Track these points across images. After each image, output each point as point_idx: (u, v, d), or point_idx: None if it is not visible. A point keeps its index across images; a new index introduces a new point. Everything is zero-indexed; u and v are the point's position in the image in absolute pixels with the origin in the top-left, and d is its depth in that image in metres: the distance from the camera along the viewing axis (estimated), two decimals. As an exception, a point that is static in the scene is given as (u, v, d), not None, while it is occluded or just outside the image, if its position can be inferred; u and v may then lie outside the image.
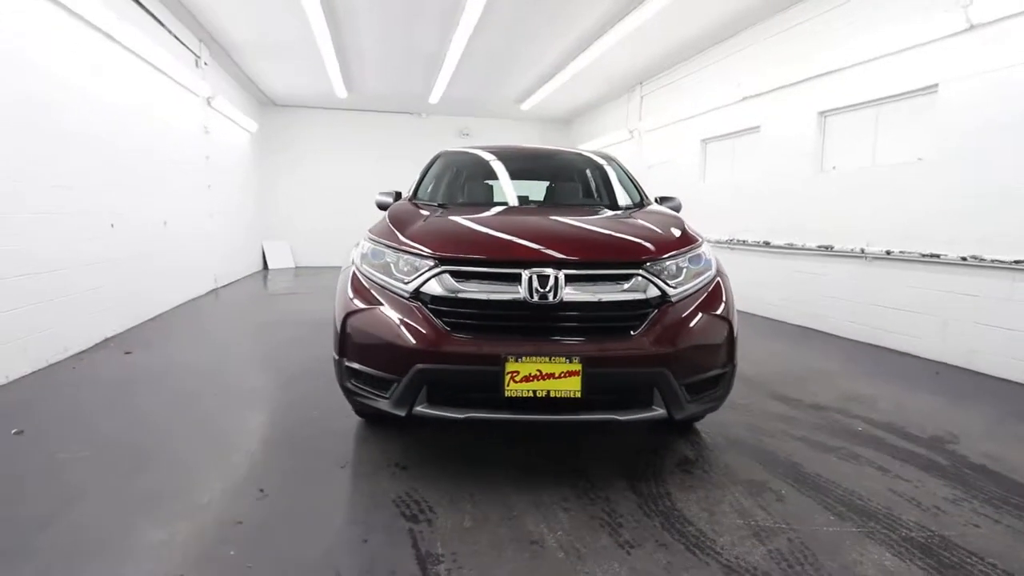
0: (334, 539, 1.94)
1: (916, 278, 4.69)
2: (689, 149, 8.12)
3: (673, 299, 2.31)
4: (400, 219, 2.73)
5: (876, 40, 4.94)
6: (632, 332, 2.24)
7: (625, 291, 2.27)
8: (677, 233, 2.58)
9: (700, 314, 2.35)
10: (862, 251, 5.14)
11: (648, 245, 2.40)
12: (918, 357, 4.62)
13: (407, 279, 2.33)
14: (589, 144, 11.55)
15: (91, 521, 2.01)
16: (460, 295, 2.24)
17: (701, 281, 2.45)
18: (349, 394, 2.47)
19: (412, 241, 2.42)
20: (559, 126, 13.29)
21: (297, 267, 11.92)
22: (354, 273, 2.55)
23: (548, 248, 2.32)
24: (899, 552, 1.91)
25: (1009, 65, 3.98)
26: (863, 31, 5.10)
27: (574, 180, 4.02)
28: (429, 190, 3.68)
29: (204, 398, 3.41)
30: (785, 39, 6.09)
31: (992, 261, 4.06)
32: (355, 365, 2.38)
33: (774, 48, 6.26)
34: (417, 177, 3.79)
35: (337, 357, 2.47)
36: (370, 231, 2.70)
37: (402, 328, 2.25)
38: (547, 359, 2.13)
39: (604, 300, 2.25)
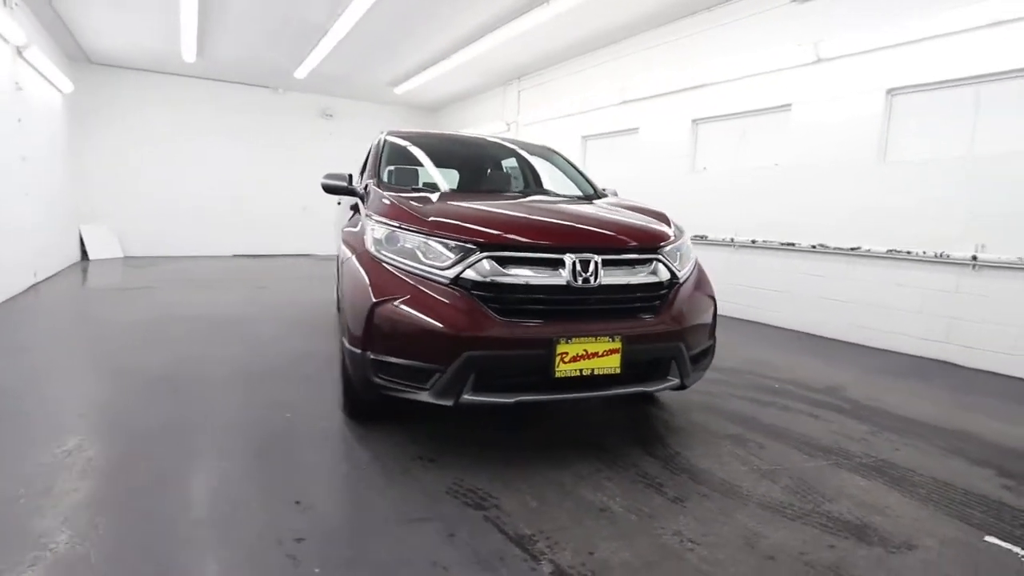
0: (422, 539, 1.85)
1: (775, 263, 5.73)
2: (569, 145, 8.69)
3: (680, 281, 2.60)
4: (417, 203, 2.60)
5: (743, 62, 5.87)
6: (655, 312, 2.47)
7: (647, 275, 2.49)
8: (670, 222, 2.87)
9: (697, 294, 2.68)
10: (731, 240, 6.11)
11: (661, 232, 2.65)
12: (780, 328, 5.66)
13: (444, 265, 2.26)
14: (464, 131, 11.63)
15: None
16: (505, 280, 2.25)
17: (692, 265, 2.77)
18: (376, 389, 2.31)
19: (446, 226, 2.35)
20: (427, 113, 13.12)
21: (127, 257, 10.06)
22: (371, 260, 2.38)
23: (585, 235, 2.44)
24: (864, 474, 2.44)
25: (841, 92, 5.07)
26: (732, 52, 6.01)
27: (534, 170, 4.13)
28: (393, 174, 3.49)
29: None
30: (665, 51, 6.86)
31: (834, 248, 5.16)
32: (387, 358, 2.24)
33: (655, 58, 7.01)
34: (372, 159, 3.56)
35: (359, 351, 2.30)
36: (382, 215, 2.52)
37: (447, 316, 2.19)
38: (593, 339, 2.26)
39: (632, 283, 2.44)
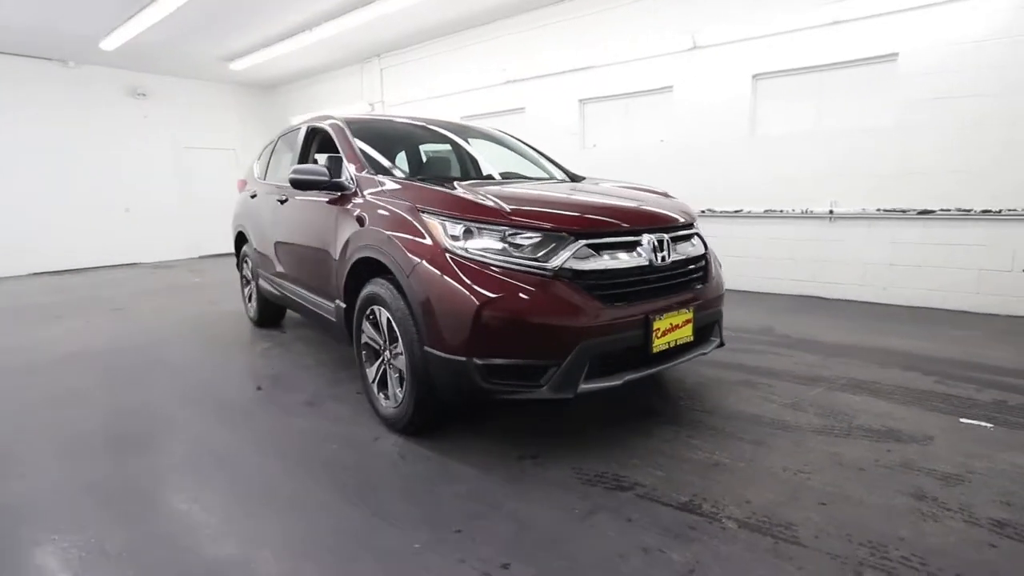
0: (609, 531, 1.86)
1: (668, 228, 6.47)
2: (447, 126, 8.56)
3: (708, 254, 2.88)
4: (480, 195, 2.44)
5: (628, 46, 6.40)
6: (705, 281, 2.71)
7: (694, 248, 2.71)
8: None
9: (715, 264, 2.99)
10: (628, 211, 6.72)
11: (692, 209, 2.88)
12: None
13: (540, 256, 2.19)
14: (311, 116, 10.63)
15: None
16: (602, 266, 2.27)
17: (702, 239, 3.08)
18: (482, 395, 2.17)
19: (532, 215, 2.26)
20: (263, 92, 11.65)
21: None
22: (454, 259, 2.19)
23: (652, 215, 2.55)
24: (852, 392, 3.04)
25: (716, 76, 5.88)
26: (617, 36, 6.49)
27: (514, 155, 4.04)
28: (383, 163, 3.16)
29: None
30: (550, 32, 7.10)
31: (720, 212, 6.03)
32: (496, 360, 2.13)
33: (539, 39, 7.22)
34: (350, 149, 3.16)
35: (461, 358, 2.14)
36: (454, 209, 2.31)
37: (557, 308, 2.15)
38: (675, 312, 2.42)
39: (689, 256, 2.64)
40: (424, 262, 2.25)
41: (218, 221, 10.91)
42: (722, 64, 5.84)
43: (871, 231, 5.22)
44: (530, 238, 2.22)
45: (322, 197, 3.20)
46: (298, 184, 3.09)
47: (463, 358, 2.14)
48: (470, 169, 3.93)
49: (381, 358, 2.68)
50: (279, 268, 3.95)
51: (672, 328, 2.41)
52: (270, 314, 4.76)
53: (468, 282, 2.15)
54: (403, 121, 3.82)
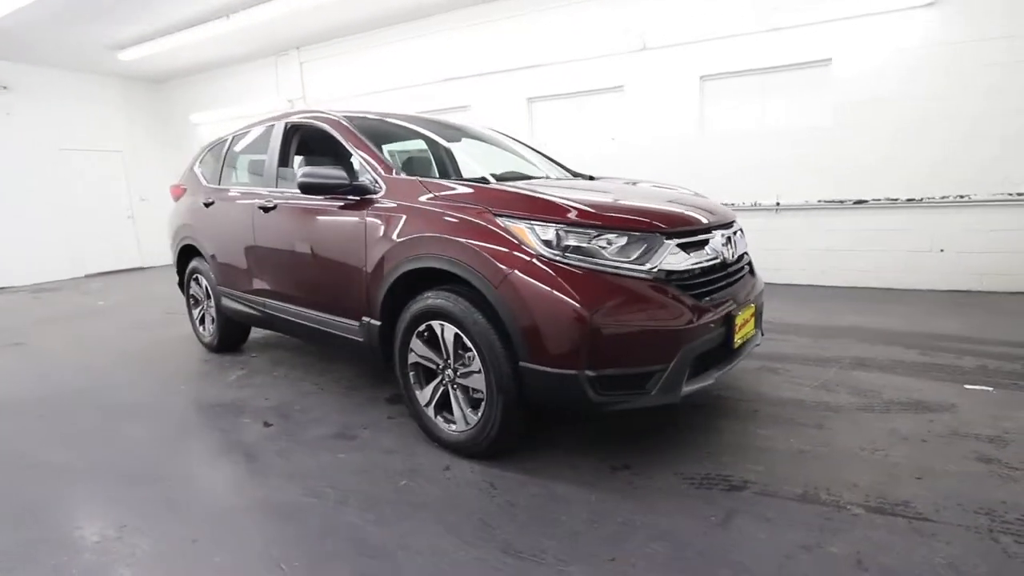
0: (753, 533, 1.82)
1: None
2: (381, 124, 8.12)
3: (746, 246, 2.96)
4: (548, 193, 2.28)
5: (577, 45, 6.46)
6: (753, 274, 2.78)
7: (744, 243, 2.77)
8: None
9: (749, 257, 3.09)
10: (582, 209, 6.80)
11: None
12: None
13: (635, 258, 2.10)
14: (216, 113, 9.60)
15: None
16: (691, 266, 2.23)
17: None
18: (596, 407, 2.04)
19: (622, 217, 2.15)
20: (155, 87, 10.28)
21: None
22: (553, 266, 2.02)
23: (715, 212, 2.55)
24: (863, 370, 3.29)
25: (666, 76, 6.12)
26: (566, 35, 6.52)
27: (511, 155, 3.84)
28: (411, 162, 2.88)
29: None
30: (494, 29, 6.97)
31: (675, 206, 6.29)
32: (607, 371, 2.01)
33: (483, 35, 7.06)
34: (368, 148, 2.83)
35: (570, 371, 1.99)
36: (541, 212, 2.13)
37: (661, 312, 2.08)
38: (746, 307, 2.45)
39: (745, 251, 2.69)
40: (517, 271, 2.06)
41: (106, 234, 9.54)
42: (671, 65, 6.09)
43: (812, 220, 5.73)
44: (622, 240, 2.12)
45: (331, 202, 2.86)
46: (310, 188, 2.74)
47: (573, 371, 2.00)
48: (457, 170, 3.73)
49: (440, 378, 2.44)
50: (258, 284, 3.47)
51: (745, 322, 2.44)
52: (232, 337, 4.19)
53: (574, 290, 2.00)
54: (396, 119, 3.51)
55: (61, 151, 8.97)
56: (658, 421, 2.70)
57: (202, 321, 4.34)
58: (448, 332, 2.32)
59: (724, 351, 2.35)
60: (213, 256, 3.90)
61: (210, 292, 4.07)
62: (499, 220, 2.17)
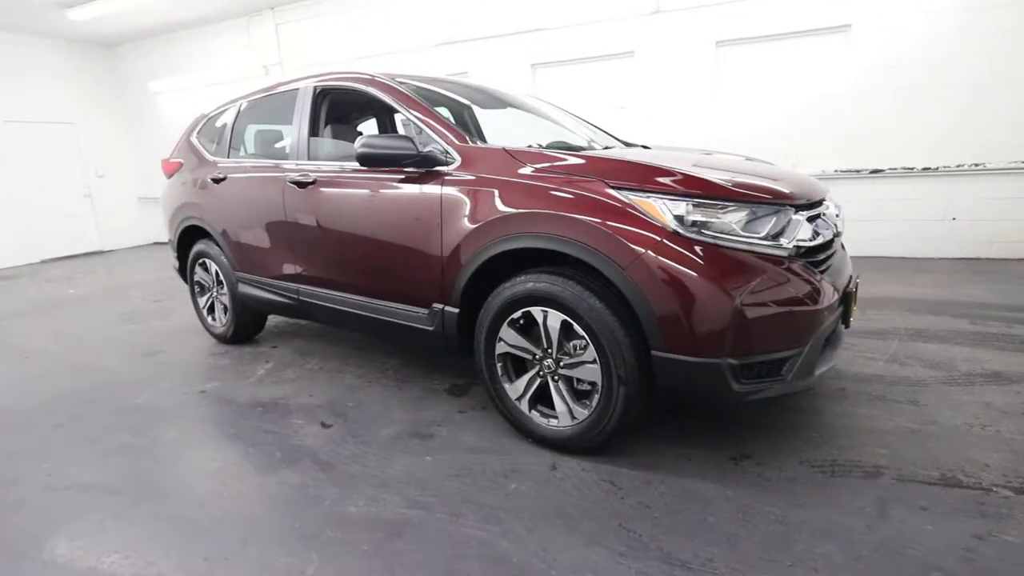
0: (917, 525, 1.72)
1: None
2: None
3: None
4: (658, 162, 2.08)
5: (585, 9, 6.14)
6: (843, 249, 2.66)
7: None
8: None
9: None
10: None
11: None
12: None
13: (769, 234, 1.92)
14: (178, 80, 8.81)
15: None
16: (817, 241, 2.07)
17: None
18: (737, 397, 1.87)
19: (752, 189, 1.95)
20: (107, 52, 9.31)
21: None
22: (691, 244, 1.82)
23: (821, 186, 2.39)
24: (924, 342, 3.27)
25: (679, 42, 5.91)
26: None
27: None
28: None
29: None
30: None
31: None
32: (750, 358, 1.85)
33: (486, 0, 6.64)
34: (432, 114, 2.53)
35: (713, 359, 1.82)
36: (663, 185, 1.91)
37: (802, 291, 1.92)
38: (852, 283, 2.32)
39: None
40: (650, 251, 1.84)
41: (61, 215, 8.72)
42: (685, 30, 5.87)
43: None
44: (757, 214, 1.93)
45: (388, 175, 2.55)
46: (371, 160, 2.43)
47: (716, 360, 1.82)
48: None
49: (536, 370, 2.22)
50: (290, 269, 3.13)
51: (853, 299, 2.32)
52: (249, 327, 3.82)
53: (717, 270, 1.81)
54: (437, 84, 3.18)
55: (6, 123, 8.04)
56: (749, 405, 2.58)
57: (211, 310, 3.94)
58: (553, 319, 2.10)
59: (837, 331, 2.23)
60: (228, 239, 3.50)
61: (222, 278, 3.68)
62: (620, 194, 1.95)
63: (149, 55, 9.12)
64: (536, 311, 2.14)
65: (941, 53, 5.01)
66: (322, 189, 2.86)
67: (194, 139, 3.96)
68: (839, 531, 1.71)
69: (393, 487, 2.07)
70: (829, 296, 2.01)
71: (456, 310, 2.40)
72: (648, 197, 1.91)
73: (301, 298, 3.14)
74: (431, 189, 2.38)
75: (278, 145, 3.36)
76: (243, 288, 3.53)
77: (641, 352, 1.94)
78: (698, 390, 1.90)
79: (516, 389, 2.29)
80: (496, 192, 2.18)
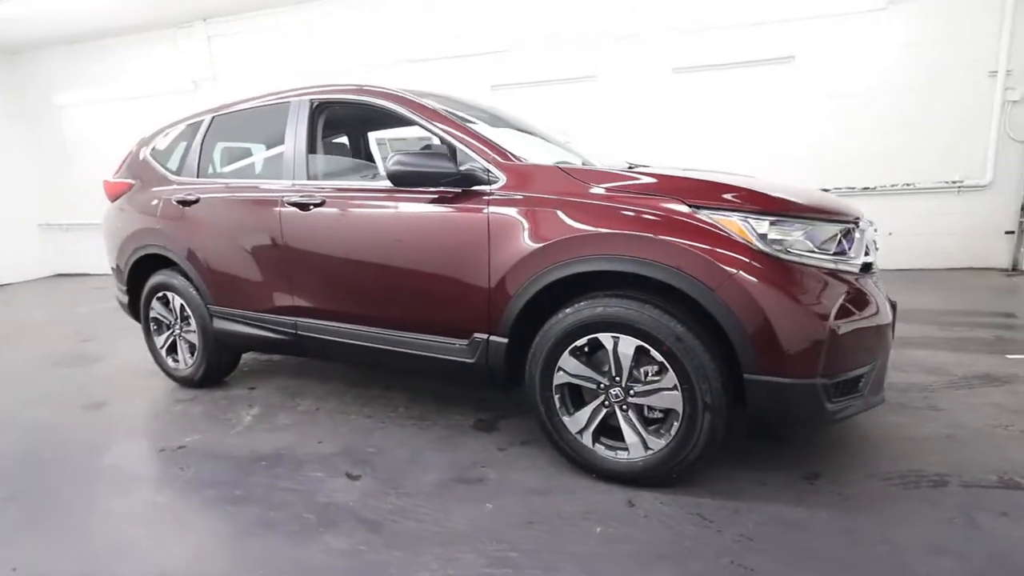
0: (1013, 540, 1.74)
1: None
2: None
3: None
4: (725, 179, 2.06)
5: (547, 32, 6.20)
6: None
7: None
8: None
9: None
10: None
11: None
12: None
13: (841, 251, 1.92)
14: (90, 94, 7.93)
15: None
16: (869, 257, 2.10)
17: None
18: (828, 416, 1.83)
19: (819, 206, 1.95)
20: (5, 62, 8.15)
21: None
22: (780, 264, 1.78)
23: None
24: (913, 348, 3.47)
25: (639, 68, 6.10)
26: (536, 20, 6.22)
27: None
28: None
29: None
30: (454, 7, 6.46)
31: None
32: (842, 376, 1.84)
33: (440, 15, 6.51)
34: (465, 128, 2.35)
35: (807, 380, 1.78)
36: (746, 203, 1.85)
37: (879, 307, 1.96)
38: (887, 297, 2.40)
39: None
40: (740, 271, 1.78)
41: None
42: (644, 57, 6.08)
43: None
44: (830, 232, 1.93)
45: (414, 195, 2.34)
46: (406, 179, 2.23)
47: (811, 380, 1.78)
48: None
49: (601, 399, 2.08)
50: (287, 301, 2.79)
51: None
52: (222, 368, 3.37)
53: (809, 289, 1.79)
54: (447, 101, 3.01)
55: None
56: (830, 426, 2.56)
57: (171, 350, 3.45)
58: (625, 345, 1.97)
59: (886, 343, 2.29)
60: (200, 268, 3.08)
61: (189, 313, 3.23)
62: (700, 213, 1.88)
63: (55, 65, 8.13)
64: (605, 337, 2.01)
65: (875, 85, 5.52)
66: (331, 211, 2.58)
67: (148, 157, 3.50)
68: (945, 546, 1.70)
69: (464, 544, 1.83)
70: (888, 310, 2.05)
71: (504, 340, 2.22)
72: (730, 216, 1.86)
73: (299, 333, 2.80)
74: (474, 209, 2.21)
75: (263, 164, 3.03)
76: (219, 324, 3.11)
77: (726, 376, 1.87)
78: (792, 412, 1.85)
79: (577, 422, 2.14)
80: (561, 212, 2.04)
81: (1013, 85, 5.20)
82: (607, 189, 2.04)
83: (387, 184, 2.40)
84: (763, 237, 1.83)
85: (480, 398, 3.00)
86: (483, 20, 6.43)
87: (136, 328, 3.67)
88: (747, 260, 1.80)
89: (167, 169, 3.38)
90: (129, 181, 3.55)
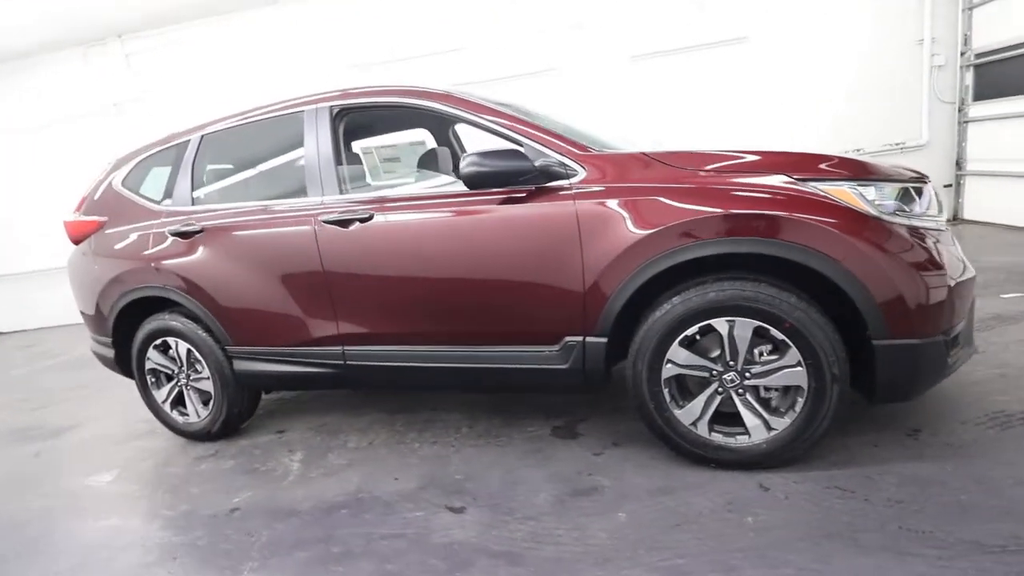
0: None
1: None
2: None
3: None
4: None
5: (507, 28, 6.10)
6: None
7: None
8: None
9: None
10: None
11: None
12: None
13: (934, 211, 2.00)
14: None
15: None
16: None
17: None
18: (946, 372, 1.90)
19: (904, 170, 2.01)
20: None
21: None
22: (896, 227, 1.83)
23: None
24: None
25: (601, 51, 6.14)
26: (494, 16, 6.10)
27: None
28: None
29: None
30: (408, 8, 6.21)
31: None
32: (954, 330, 1.91)
33: (392, 18, 6.25)
34: (527, 122, 2.22)
35: (940, 338, 1.84)
36: (836, 173, 1.90)
37: (962, 262, 2.05)
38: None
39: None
40: (862, 239, 1.78)
41: None
42: (602, 46, 6.12)
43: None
44: (921, 194, 1.98)
45: (483, 198, 2.19)
46: (482, 181, 2.07)
47: (936, 338, 1.82)
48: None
49: (715, 386, 2.02)
50: (335, 329, 2.51)
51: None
52: (243, 414, 3.02)
53: (926, 249, 1.82)
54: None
55: None
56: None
57: (178, 402, 3.05)
58: (742, 328, 1.93)
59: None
60: (215, 305, 2.72)
61: (199, 357, 2.86)
62: (809, 186, 1.86)
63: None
64: (719, 322, 1.96)
65: (822, 60, 5.87)
66: (383, 225, 2.35)
67: (121, 188, 3.07)
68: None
69: (621, 560, 1.72)
70: (964, 264, 2.15)
71: (603, 340, 2.11)
72: (839, 185, 1.86)
73: (348, 363, 2.55)
74: (559, 206, 2.08)
75: (276, 182, 2.74)
76: (241, 365, 2.78)
77: (849, 346, 1.88)
78: (922, 372, 1.88)
79: (691, 413, 2.07)
80: (666, 198, 1.96)
81: (937, 51, 5.71)
82: (709, 170, 1.99)
83: (450, 189, 2.23)
84: (873, 203, 1.85)
85: (540, 404, 2.87)
86: (433, 19, 6.23)
87: (101, 386, 3.25)
88: (865, 227, 1.81)
89: (147, 199, 2.98)
90: (97, 219, 3.10)
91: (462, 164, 2.07)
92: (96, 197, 3.16)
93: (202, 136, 2.90)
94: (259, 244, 2.61)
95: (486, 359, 2.32)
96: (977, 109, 5.60)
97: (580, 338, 2.15)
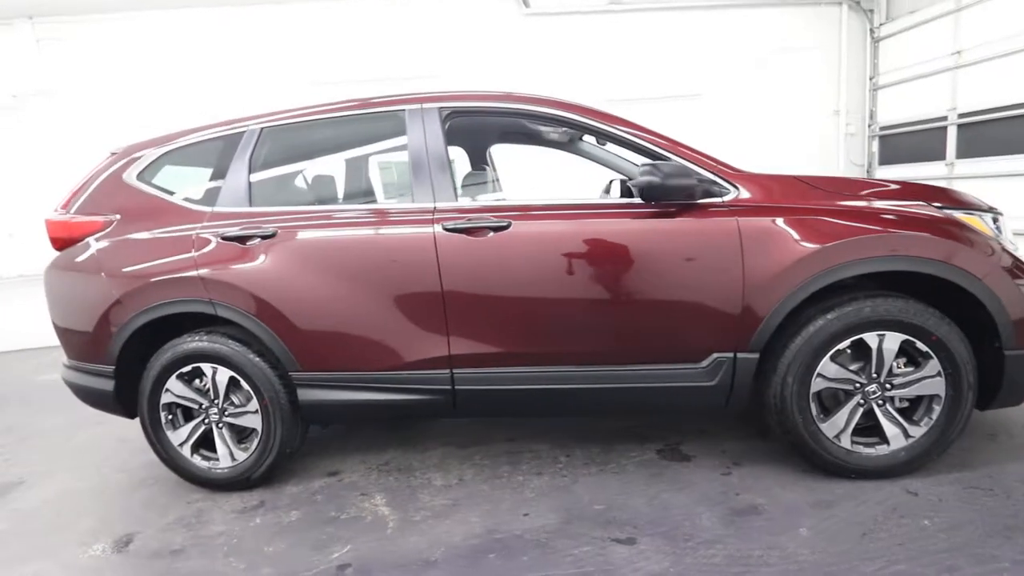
0: None
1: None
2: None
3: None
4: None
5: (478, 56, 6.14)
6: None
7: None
8: None
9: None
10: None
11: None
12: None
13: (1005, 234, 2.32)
14: None
15: None
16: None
17: None
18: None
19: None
20: None
21: None
22: (1008, 251, 2.09)
23: None
24: None
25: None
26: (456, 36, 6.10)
27: None
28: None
29: None
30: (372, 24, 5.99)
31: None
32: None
33: (356, 32, 5.98)
34: (667, 139, 2.25)
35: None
36: (966, 203, 2.14)
37: None
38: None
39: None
40: (998, 261, 2.03)
41: None
42: (576, 92, 6.40)
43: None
44: (1003, 223, 2.30)
45: (637, 211, 2.17)
46: (659, 193, 2.05)
47: (1049, 347, 2.09)
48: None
49: (857, 399, 2.12)
50: (445, 350, 2.23)
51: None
52: (292, 456, 2.54)
53: (1027, 270, 2.12)
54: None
55: None
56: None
57: (201, 445, 2.49)
58: (891, 341, 2.07)
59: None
60: (283, 324, 2.31)
61: (247, 387, 2.38)
62: (947, 213, 2.09)
63: None
64: (870, 337, 2.08)
65: (761, 120, 6.67)
66: (524, 233, 2.18)
67: (139, 183, 2.54)
68: None
69: (852, 573, 1.70)
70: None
71: (755, 356, 2.14)
72: (972, 214, 2.11)
73: (457, 388, 2.29)
74: (718, 222, 2.11)
75: (374, 186, 2.44)
76: (309, 394, 2.37)
77: (980, 357, 2.09)
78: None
79: (835, 425, 2.15)
80: (830, 218, 2.07)
81: (850, 121, 6.78)
82: (864, 195, 2.15)
83: (597, 200, 2.15)
84: (996, 231, 2.13)
85: (626, 426, 2.81)
86: (405, 39, 6.11)
87: (59, 432, 2.59)
88: (997, 251, 2.07)
89: (185, 198, 2.49)
90: (100, 219, 2.52)
91: (639, 175, 2.03)
92: (95, 193, 2.58)
93: (262, 128, 2.51)
94: (356, 252, 2.28)
95: (623, 379, 2.22)
96: (882, 172, 6.70)
97: (730, 354, 2.16)
